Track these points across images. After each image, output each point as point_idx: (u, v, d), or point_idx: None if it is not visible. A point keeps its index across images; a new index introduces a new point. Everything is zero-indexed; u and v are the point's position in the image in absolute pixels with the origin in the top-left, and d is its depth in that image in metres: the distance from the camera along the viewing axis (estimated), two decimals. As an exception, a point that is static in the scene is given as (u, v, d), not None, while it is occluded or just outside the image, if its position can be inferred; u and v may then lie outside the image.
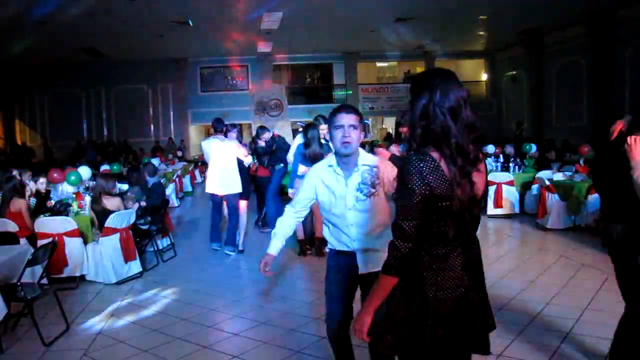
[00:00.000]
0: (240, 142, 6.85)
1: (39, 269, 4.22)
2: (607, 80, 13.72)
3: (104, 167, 9.29)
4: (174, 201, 10.73)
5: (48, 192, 6.34)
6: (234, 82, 20.43)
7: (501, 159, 9.31)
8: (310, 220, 6.19)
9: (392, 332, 1.73)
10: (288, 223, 2.73)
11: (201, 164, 16.59)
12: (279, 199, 7.77)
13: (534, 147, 9.93)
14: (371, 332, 1.77)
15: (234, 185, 6.33)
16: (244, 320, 4.20)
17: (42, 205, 5.88)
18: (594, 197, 6.53)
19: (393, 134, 19.36)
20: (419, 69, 20.91)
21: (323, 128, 6.04)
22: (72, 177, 6.57)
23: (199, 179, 15.68)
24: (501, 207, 8.17)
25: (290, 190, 6.04)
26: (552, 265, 5.51)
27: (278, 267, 5.94)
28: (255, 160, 8.03)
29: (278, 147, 7.69)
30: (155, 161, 11.32)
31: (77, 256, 5.21)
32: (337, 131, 2.44)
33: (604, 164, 2.86)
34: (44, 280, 4.18)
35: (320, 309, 4.32)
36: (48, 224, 5.20)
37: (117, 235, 5.31)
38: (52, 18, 11.74)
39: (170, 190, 10.54)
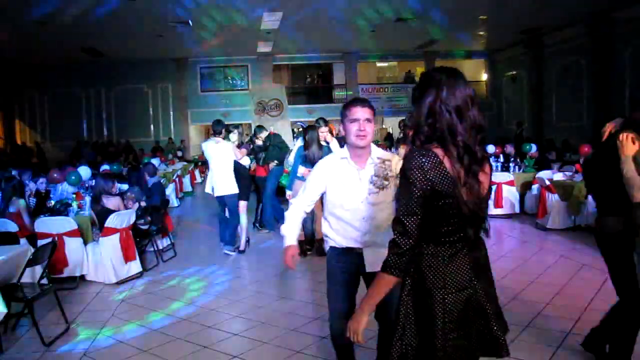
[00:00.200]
0: (242, 144, 6.81)
1: (39, 269, 4.22)
2: (607, 80, 13.72)
3: (104, 167, 9.29)
4: (174, 201, 10.73)
5: (48, 192, 6.34)
6: (234, 82, 20.43)
7: (501, 159, 9.31)
8: (311, 221, 6.19)
9: (401, 339, 1.69)
10: (296, 214, 2.64)
11: (201, 164, 16.61)
12: (275, 200, 7.77)
13: (534, 147, 9.93)
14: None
15: (230, 186, 6.35)
16: (244, 320, 4.20)
17: (42, 205, 5.88)
18: (594, 197, 6.53)
19: (396, 134, 19.33)
20: (419, 69, 20.90)
21: (323, 131, 6.05)
22: (72, 177, 6.57)
23: (199, 179, 15.69)
24: (501, 207, 8.17)
25: (288, 192, 6.01)
26: (552, 265, 5.51)
27: (278, 267, 5.94)
28: (254, 160, 8.05)
29: (271, 144, 7.70)
30: (155, 161, 11.33)
31: (77, 256, 5.21)
32: (352, 124, 2.43)
33: (596, 162, 2.95)
34: (44, 280, 4.18)
35: (320, 309, 4.32)
36: (48, 224, 5.20)
37: (117, 235, 5.31)
38: (52, 18, 11.73)
39: (170, 190, 10.54)
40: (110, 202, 5.46)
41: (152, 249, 6.22)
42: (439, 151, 1.59)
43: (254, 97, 14.18)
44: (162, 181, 8.81)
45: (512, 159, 9.08)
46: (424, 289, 1.65)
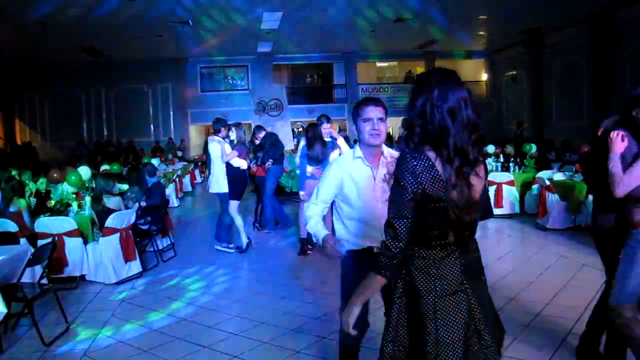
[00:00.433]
0: (242, 143, 6.74)
1: (39, 269, 4.22)
2: (607, 80, 13.71)
3: (104, 167, 9.29)
4: (174, 201, 10.73)
5: (48, 192, 6.34)
6: (234, 82, 20.42)
7: (501, 159, 9.32)
8: None
9: (392, 342, 1.70)
10: (316, 213, 2.56)
11: (201, 163, 16.62)
12: (275, 200, 7.79)
13: (534, 147, 9.93)
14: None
15: (221, 184, 6.43)
16: (244, 320, 4.20)
17: (42, 205, 5.88)
18: (594, 197, 6.53)
19: (396, 134, 19.32)
20: (419, 69, 20.91)
21: (326, 127, 6.08)
22: (72, 177, 6.58)
23: (199, 179, 15.69)
24: (501, 207, 8.17)
25: (301, 193, 6.02)
26: (552, 265, 5.51)
27: (278, 267, 5.95)
28: (254, 160, 8.06)
29: (267, 143, 7.70)
30: (155, 161, 11.33)
31: (77, 256, 5.20)
32: (366, 124, 2.42)
33: (592, 158, 3.01)
34: (44, 280, 4.18)
35: (320, 308, 4.33)
36: (48, 224, 5.20)
37: (117, 235, 5.31)
38: (52, 18, 11.73)
39: (170, 190, 10.54)
40: (110, 201, 5.46)
41: (152, 249, 6.22)
42: (431, 154, 1.59)
43: (254, 97, 14.19)
44: (162, 181, 8.80)
45: (512, 159, 9.08)
46: (415, 292, 1.65)
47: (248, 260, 6.32)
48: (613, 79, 13.49)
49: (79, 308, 4.57)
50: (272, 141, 7.76)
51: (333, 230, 2.59)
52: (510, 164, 8.88)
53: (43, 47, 14.81)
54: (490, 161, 9.14)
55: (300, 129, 20.07)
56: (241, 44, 16.71)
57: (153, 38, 14.76)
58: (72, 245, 5.19)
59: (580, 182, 7.06)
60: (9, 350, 3.68)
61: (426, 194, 1.57)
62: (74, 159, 12.03)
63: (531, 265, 5.58)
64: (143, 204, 6.25)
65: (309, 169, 5.97)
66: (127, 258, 5.38)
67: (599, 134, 2.92)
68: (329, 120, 6.27)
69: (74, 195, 6.11)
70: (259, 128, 8.25)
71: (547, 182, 7.37)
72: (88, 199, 5.87)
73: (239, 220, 6.52)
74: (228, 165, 6.38)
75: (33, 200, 5.97)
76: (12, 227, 4.94)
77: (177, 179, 11.96)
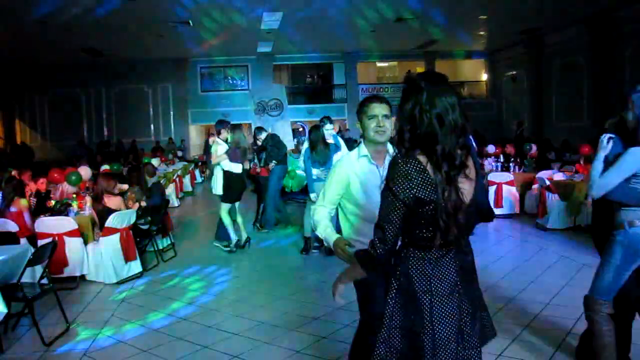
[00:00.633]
0: (238, 147, 6.66)
1: (39, 269, 4.22)
2: (607, 80, 13.72)
3: (104, 167, 9.29)
4: (174, 201, 10.73)
5: (48, 192, 6.34)
6: (234, 82, 20.43)
7: (501, 159, 9.31)
8: None
9: (385, 343, 1.71)
10: (325, 216, 2.51)
11: (201, 163, 16.62)
12: (279, 200, 7.80)
13: (534, 147, 9.94)
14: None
15: (216, 186, 6.49)
16: (244, 320, 4.20)
17: (42, 205, 5.88)
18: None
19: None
20: (419, 69, 20.89)
21: (328, 128, 6.09)
22: (72, 177, 6.58)
23: (199, 179, 15.69)
24: (501, 207, 8.17)
25: (312, 195, 6.02)
26: (552, 265, 5.51)
27: (278, 267, 5.95)
28: (255, 160, 8.07)
29: (268, 145, 7.73)
30: (155, 161, 11.33)
31: (77, 256, 5.20)
32: (371, 121, 2.42)
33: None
34: (44, 280, 4.18)
35: (320, 308, 4.32)
36: (48, 224, 5.20)
37: (118, 235, 5.31)
38: (52, 18, 11.73)
39: (170, 190, 10.54)
40: (111, 201, 5.46)
41: (152, 249, 6.22)
42: (422, 158, 1.61)
43: (254, 97, 14.19)
44: (162, 182, 8.81)
45: (512, 159, 9.08)
46: (411, 293, 1.67)
47: (248, 260, 6.32)
48: (613, 79, 13.49)
49: (79, 308, 4.57)
50: (274, 142, 7.79)
51: (339, 230, 2.56)
52: (510, 164, 8.88)
53: (43, 47, 14.82)
54: (490, 161, 9.14)
55: (301, 129, 20.09)
56: (241, 44, 16.71)
57: (153, 38, 14.76)
58: (73, 245, 5.18)
59: (580, 182, 7.06)
60: (9, 350, 3.69)
61: (418, 198, 1.59)
62: (74, 159, 12.03)
63: (531, 265, 5.57)
64: (143, 204, 6.24)
65: (315, 171, 5.98)
66: (128, 258, 5.38)
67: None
68: (331, 121, 6.29)
69: (74, 195, 6.10)
70: (260, 129, 8.26)
71: (547, 182, 7.37)
72: (88, 198, 5.88)
73: (227, 220, 6.50)
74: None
75: (33, 200, 5.97)
76: (12, 227, 4.95)
77: (177, 179, 11.96)
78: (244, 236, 6.72)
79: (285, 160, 7.91)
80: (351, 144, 8.19)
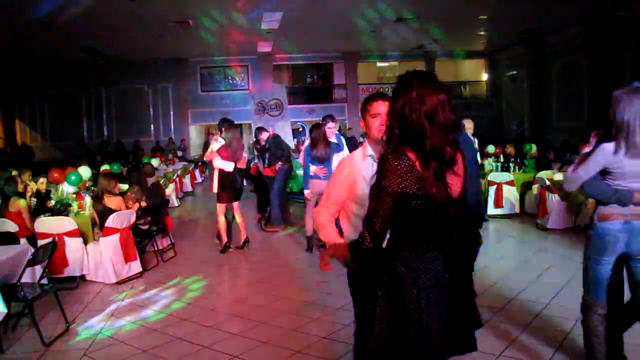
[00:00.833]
0: (242, 144, 6.70)
1: (39, 269, 4.22)
2: (607, 80, 13.70)
3: (104, 167, 9.28)
4: (174, 201, 10.73)
5: (48, 192, 6.33)
6: (234, 82, 20.42)
7: (501, 159, 9.31)
8: None
9: (379, 336, 1.75)
10: (328, 219, 2.42)
11: (201, 163, 16.62)
12: (283, 199, 7.81)
13: (534, 147, 9.93)
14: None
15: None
16: (244, 320, 4.20)
17: (42, 205, 5.88)
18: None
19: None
20: (419, 69, 20.88)
21: (330, 126, 6.10)
22: (72, 177, 6.57)
23: (199, 179, 15.69)
24: (501, 207, 8.17)
25: (306, 192, 6.04)
26: (552, 265, 5.51)
27: (278, 266, 5.94)
28: (256, 160, 8.06)
29: (271, 146, 7.74)
30: (155, 161, 11.32)
31: (77, 256, 5.21)
32: (374, 119, 2.40)
33: None
34: (44, 280, 4.18)
35: (320, 308, 4.32)
36: (48, 224, 5.20)
37: (117, 235, 5.31)
38: (52, 18, 11.72)
39: (170, 190, 10.54)
40: (112, 201, 5.47)
41: (152, 249, 6.22)
42: (411, 154, 1.65)
43: (254, 97, 14.19)
44: (162, 182, 8.81)
45: (512, 159, 9.08)
46: (399, 286, 1.71)
47: (249, 260, 6.32)
48: (613, 79, 13.48)
49: (79, 308, 4.58)
50: (277, 143, 7.81)
51: (341, 232, 2.52)
52: (510, 164, 8.88)
53: (43, 47, 14.81)
54: (490, 161, 9.14)
55: (301, 129, 20.10)
56: (241, 44, 16.70)
57: (153, 38, 14.75)
58: (72, 245, 5.19)
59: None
60: (9, 350, 3.69)
61: (407, 193, 1.63)
62: (74, 159, 12.03)
63: (531, 265, 5.58)
64: (143, 204, 6.24)
65: (313, 168, 6.00)
66: (127, 258, 5.38)
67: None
68: (333, 119, 6.30)
69: (74, 195, 6.10)
70: (260, 129, 8.26)
71: (547, 182, 7.37)
72: (88, 198, 5.88)
73: (220, 220, 6.48)
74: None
75: (33, 200, 5.97)
76: (12, 227, 4.95)
77: (177, 179, 11.96)
78: (243, 237, 6.70)
79: (289, 160, 7.95)
80: (353, 144, 8.23)
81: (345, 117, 19.61)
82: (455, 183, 1.70)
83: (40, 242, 4.85)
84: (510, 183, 8.26)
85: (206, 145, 16.33)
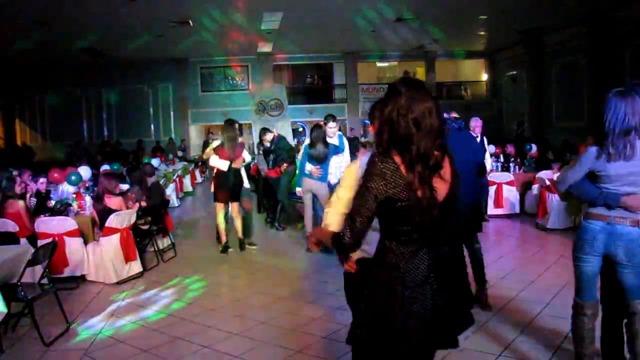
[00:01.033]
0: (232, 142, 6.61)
1: (39, 269, 4.22)
2: (607, 80, 13.70)
3: (104, 167, 9.29)
4: (174, 201, 10.73)
5: (48, 192, 6.34)
6: (234, 82, 20.42)
7: (501, 159, 9.31)
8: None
9: (367, 327, 1.84)
10: (335, 221, 2.36)
11: (201, 164, 16.62)
12: (286, 199, 7.84)
13: (534, 147, 9.93)
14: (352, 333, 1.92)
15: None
16: (244, 320, 4.20)
17: (42, 205, 5.88)
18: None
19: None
20: (419, 69, 20.91)
21: (331, 126, 6.11)
22: (72, 177, 6.58)
23: (199, 179, 15.69)
24: (501, 207, 8.17)
25: (298, 189, 6.07)
26: (552, 265, 5.51)
27: (279, 266, 5.94)
28: (255, 161, 8.07)
29: (277, 147, 7.76)
30: (155, 161, 11.32)
31: (77, 256, 5.21)
32: None
33: None
34: (44, 280, 4.19)
35: (321, 309, 4.32)
36: (48, 224, 5.20)
37: (118, 235, 5.31)
38: (52, 18, 11.73)
39: (170, 190, 10.54)
40: (112, 201, 5.47)
41: (152, 249, 6.22)
42: (397, 158, 1.72)
43: (254, 97, 14.19)
44: (162, 182, 8.81)
45: (512, 159, 9.08)
46: (386, 282, 1.79)
47: (249, 260, 6.31)
48: (613, 79, 13.48)
49: (79, 308, 4.58)
50: (282, 144, 7.82)
51: None
52: (510, 164, 8.88)
53: (43, 47, 14.80)
54: (490, 161, 9.14)
55: (301, 129, 20.09)
56: (241, 44, 16.69)
57: (153, 38, 14.75)
58: (73, 245, 5.19)
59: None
60: (9, 350, 3.69)
61: (389, 196, 1.71)
62: (74, 159, 12.03)
63: (531, 265, 5.58)
64: (143, 204, 6.24)
65: (308, 167, 6.02)
66: (128, 258, 5.38)
67: None
68: (335, 119, 6.31)
69: (74, 195, 6.10)
70: (265, 130, 8.24)
71: (547, 182, 7.37)
72: (88, 198, 5.88)
73: (219, 220, 6.46)
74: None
75: (33, 200, 5.97)
76: (12, 227, 4.95)
77: (177, 179, 11.96)
78: (239, 237, 6.65)
79: (294, 161, 7.96)
80: (355, 145, 8.25)
81: (345, 117, 19.61)
82: (441, 187, 1.77)
83: (41, 242, 4.84)
84: (510, 183, 8.26)
85: (205, 145, 16.35)
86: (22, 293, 3.69)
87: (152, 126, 19.69)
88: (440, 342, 1.86)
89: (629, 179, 2.56)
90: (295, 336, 3.81)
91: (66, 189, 6.62)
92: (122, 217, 5.37)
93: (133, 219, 5.58)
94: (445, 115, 3.95)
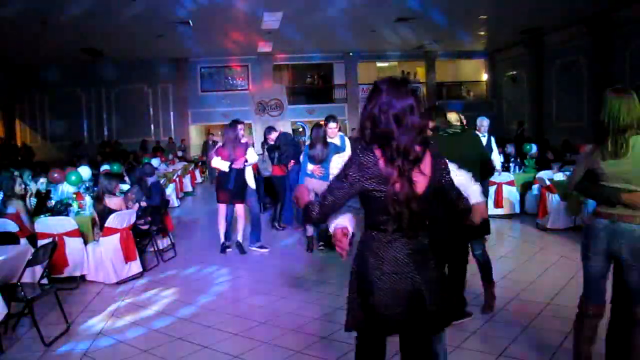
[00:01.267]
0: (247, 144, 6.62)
1: (39, 269, 4.22)
2: (607, 80, 13.70)
3: (104, 167, 9.28)
4: (174, 201, 10.73)
5: (48, 192, 6.34)
6: (234, 82, 20.41)
7: (501, 159, 9.30)
8: None
9: (351, 313, 2.01)
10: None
11: (201, 164, 16.62)
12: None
13: (534, 147, 9.93)
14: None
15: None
16: (244, 320, 4.20)
17: (42, 205, 5.88)
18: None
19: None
20: (419, 69, 20.91)
21: (331, 127, 6.12)
22: (72, 177, 6.57)
23: (199, 179, 15.69)
24: (501, 207, 8.16)
25: None
26: (552, 265, 5.51)
27: (279, 266, 5.95)
28: (263, 158, 8.08)
29: (282, 144, 7.76)
30: (155, 161, 11.31)
31: (77, 256, 5.20)
32: None
33: None
34: (44, 280, 4.18)
35: (320, 308, 4.32)
36: (48, 224, 5.20)
37: (118, 235, 5.31)
38: (52, 18, 11.73)
39: (170, 190, 10.54)
40: (112, 201, 5.47)
41: (152, 249, 6.22)
42: (377, 152, 1.83)
43: (254, 97, 14.18)
44: (161, 182, 8.80)
45: (513, 159, 9.08)
46: (365, 269, 1.92)
47: (249, 260, 6.31)
48: (613, 79, 13.48)
49: (79, 308, 4.57)
50: (287, 141, 7.83)
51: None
52: (511, 164, 8.88)
53: (43, 47, 14.80)
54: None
55: (301, 129, 20.10)
56: (241, 44, 16.69)
57: (153, 38, 14.74)
58: (73, 245, 5.18)
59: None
60: (9, 350, 3.68)
61: (365, 187, 1.84)
62: (74, 159, 12.03)
63: (531, 265, 5.58)
64: (143, 204, 6.24)
65: (310, 167, 6.03)
66: (128, 258, 5.38)
67: None
68: (335, 120, 6.32)
69: (74, 195, 6.10)
70: (270, 129, 8.22)
71: (547, 182, 7.37)
72: (88, 198, 5.87)
73: (219, 220, 6.45)
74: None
75: (33, 200, 5.97)
76: (12, 227, 4.94)
77: (177, 179, 11.96)
78: (239, 239, 6.62)
79: (299, 159, 7.95)
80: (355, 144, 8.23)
81: (345, 117, 19.60)
82: (420, 180, 1.86)
83: (41, 242, 4.84)
84: (511, 183, 8.26)
85: (205, 145, 16.36)
86: (22, 293, 3.68)
87: (152, 126, 19.68)
88: (416, 327, 1.93)
89: (625, 177, 2.56)
90: (295, 336, 3.81)
91: (66, 189, 6.61)
92: (122, 217, 5.36)
93: (133, 219, 5.58)
94: (447, 114, 3.95)
